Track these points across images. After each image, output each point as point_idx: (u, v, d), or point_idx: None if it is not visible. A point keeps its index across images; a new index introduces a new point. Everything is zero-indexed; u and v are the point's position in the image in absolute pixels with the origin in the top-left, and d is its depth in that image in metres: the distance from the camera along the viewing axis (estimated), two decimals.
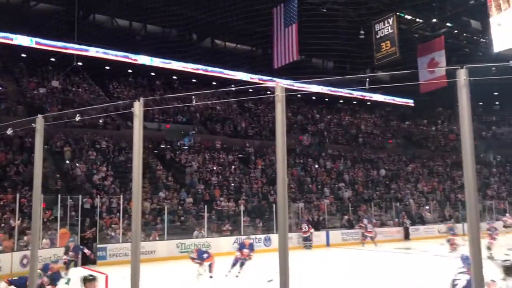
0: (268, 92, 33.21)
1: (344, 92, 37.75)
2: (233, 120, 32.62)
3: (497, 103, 45.97)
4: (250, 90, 31.75)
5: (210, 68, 29.18)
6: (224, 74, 29.84)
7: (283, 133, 2.87)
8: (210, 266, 13.33)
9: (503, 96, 42.59)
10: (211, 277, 13.23)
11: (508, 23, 17.24)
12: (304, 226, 21.93)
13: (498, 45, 18.66)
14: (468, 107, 2.90)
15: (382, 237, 24.01)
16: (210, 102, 28.48)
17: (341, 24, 24.81)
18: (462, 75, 3.00)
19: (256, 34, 25.76)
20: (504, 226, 26.02)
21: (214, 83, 30.48)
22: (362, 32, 24.78)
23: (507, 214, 29.56)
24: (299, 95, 36.08)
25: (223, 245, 18.83)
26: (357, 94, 38.42)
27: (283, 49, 22.51)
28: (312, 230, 21.95)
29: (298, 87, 29.09)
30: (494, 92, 41.05)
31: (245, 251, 13.97)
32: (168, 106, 29.31)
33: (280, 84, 2.94)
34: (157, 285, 12.24)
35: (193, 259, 13.31)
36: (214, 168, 26.40)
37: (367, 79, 3.31)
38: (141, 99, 4.35)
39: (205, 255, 13.36)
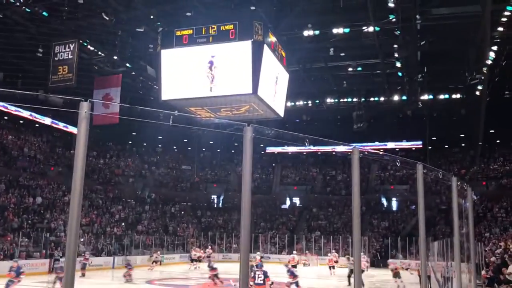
0: None
1: (11, 110, 34.33)
2: None
3: (160, 145, 50.64)
4: None
5: None
6: None
7: None
8: None
9: (164, 141, 47.59)
10: None
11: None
12: None
13: (166, 94, 20.73)
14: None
15: (26, 269, 22.11)
16: None
17: (18, 36, 22.90)
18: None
19: None
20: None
21: None
22: (40, 50, 23.41)
23: (155, 250, 32.37)
24: None
25: None
26: (25, 114, 35.58)
27: None
28: None
29: None
30: (159, 135, 45.32)
31: None
32: None
33: None
34: None
35: None
36: None
37: None
38: None
39: None
